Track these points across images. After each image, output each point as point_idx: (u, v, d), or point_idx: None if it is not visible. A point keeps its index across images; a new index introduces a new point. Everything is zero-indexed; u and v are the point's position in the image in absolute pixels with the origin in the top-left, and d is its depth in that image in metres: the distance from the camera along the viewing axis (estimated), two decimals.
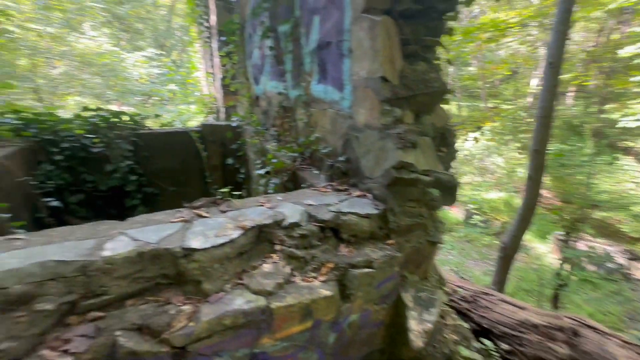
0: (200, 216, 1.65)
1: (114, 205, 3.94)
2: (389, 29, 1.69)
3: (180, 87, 17.61)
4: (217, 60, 6.77)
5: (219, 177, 4.54)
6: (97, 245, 1.35)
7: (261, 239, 1.63)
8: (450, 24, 1.86)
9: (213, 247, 1.41)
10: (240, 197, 2.03)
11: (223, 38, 5.01)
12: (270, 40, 3.27)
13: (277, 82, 3.38)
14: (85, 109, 3.81)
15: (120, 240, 1.38)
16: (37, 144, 3.33)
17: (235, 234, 1.50)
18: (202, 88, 10.28)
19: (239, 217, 1.66)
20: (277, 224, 1.65)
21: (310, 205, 1.83)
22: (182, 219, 1.60)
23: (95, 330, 1.18)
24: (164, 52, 18.92)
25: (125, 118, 3.98)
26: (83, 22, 15.64)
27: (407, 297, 1.80)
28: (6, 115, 3.32)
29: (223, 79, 6.64)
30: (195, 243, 1.40)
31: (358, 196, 1.97)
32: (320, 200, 1.90)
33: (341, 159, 2.22)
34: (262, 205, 1.82)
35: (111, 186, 3.77)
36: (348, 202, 1.88)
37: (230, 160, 4.43)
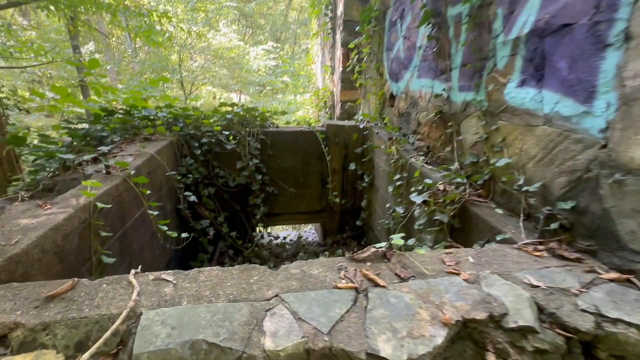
0: (374, 283, 1.17)
1: (238, 201, 3.98)
2: None
3: (292, 79, 18.49)
4: (339, 52, 6.44)
5: (337, 182, 4.18)
6: (254, 318, 0.99)
7: (462, 335, 1.06)
8: None
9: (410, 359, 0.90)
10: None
11: (356, 28, 4.55)
12: (429, 28, 2.60)
13: (431, 81, 2.70)
14: (222, 104, 3.88)
15: (281, 316, 1.00)
16: (183, 139, 3.49)
17: (438, 335, 0.96)
18: (316, 81, 10.28)
19: (429, 294, 1.12)
20: (494, 320, 1.04)
21: (534, 286, 1.16)
22: (350, 284, 1.15)
23: None
24: (279, 45, 20.09)
25: (256, 114, 3.93)
26: (220, 21, 17.58)
27: None
28: (163, 109, 3.56)
29: (344, 72, 6.29)
30: (385, 348, 0.91)
31: (613, 280, 1.20)
32: (545, 277, 1.21)
33: (564, 206, 1.45)
34: (455, 274, 1.23)
35: (238, 183, 3.78)
36: (603, 291, 1.13)
37: (352, 166, 4.00)
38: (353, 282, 1.16)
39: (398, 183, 2.73)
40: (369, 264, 1.30)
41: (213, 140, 3.61)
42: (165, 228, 2.45)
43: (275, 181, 4.03)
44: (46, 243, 1.51)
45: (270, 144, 3.87)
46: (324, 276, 1.22)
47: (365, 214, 4.04)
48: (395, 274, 1.23)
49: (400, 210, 2.63)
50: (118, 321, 0.96)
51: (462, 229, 1.92)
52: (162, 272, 1.22)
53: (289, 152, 3.98)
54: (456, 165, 2.19)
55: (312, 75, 11.02)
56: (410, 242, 2.05)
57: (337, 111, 6.83)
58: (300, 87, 19.06)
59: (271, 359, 0.88)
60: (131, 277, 1.17)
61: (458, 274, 1.23)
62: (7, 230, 1.50)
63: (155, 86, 3.99)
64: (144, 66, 14.50)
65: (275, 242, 4.48)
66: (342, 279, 1.20)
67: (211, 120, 3.70)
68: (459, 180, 2.01)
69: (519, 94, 1.74)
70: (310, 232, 5.43)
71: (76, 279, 1.15)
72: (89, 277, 1.24)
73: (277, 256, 4.19)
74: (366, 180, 3.85)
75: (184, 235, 2.63)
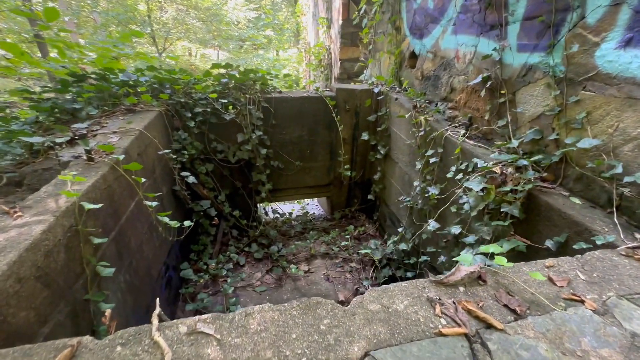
0: (486, 323, 0.88)
1: (239, 177, 3.59)
2: None
3: (276, 33, 17.01)
4: (338, 2, 5.69)
5: (347, 154, 3.81)
6: None
7: None
8: None
9: None
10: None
11: None
12: None
13: (474, 38, 2.28)
14: (215, 66, 3.30)
15: None
16: (172, 108, 2.97)
17: None
18: (307, 36, 9.35)
19: (562, 338, 0.85)
20: None
21: None
22: (458, 329, 0.86)
23: None
24: None
25: (254, 78, 3.38)
26: None
27: None
28: (145, 73, 2.97)
29: (344, 26, 5.61)
30: None
31: None
32: None
33: None
34: (577, 301, 0.97)
35: (240, 158, 3.35)
36: None
37: (365, 135, 3.62)
38: (459, 324, 0.88)
39: (432, 160, 2.41)
40: (462, 289, 1.01)
41: (208, 109, 3.10)
42: (166, 219, 2.07)
43: (279, 154, 3.62)
44: (22, 269, 1.13)
45: (274, 112, 3.40)
46: (415, 314, 0.92)
47: (378, 188, 3.76)
48: (505, 305, 0.95)
49: (434, 191, 2.34)
50: None
51: (526, 220, 1.65)
52: (196, 318, 0.89)
53: (295, 122, 3.53)
54: (514, 142, 1.87)
55: (301, 29, 9.99)
56: (470, 239, 1.78)
57: (336, 71, 6.23)
58: (286, 42, 17.62)
59: None
60: (156, 333, 0.83)
61: (582, 302, 0.97)
62: None
63: (126, 42, 3.32)
64: (108, 17, 12.80)
65: (280, 218, 4.19)
66: (440, 317, 0.91)
67: (204, 86, 3.15)
68: (523, 162, 1.70)
69: (620, 58, 1.38)
70: (313, 205, 5.16)
71: (76, 341, 0.81)
72: (92, 336, 0.89)
73: (284, 234, 3.93)
74: (381, 151, 3.50)
75: (187, 223, 2.26)
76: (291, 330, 0.86)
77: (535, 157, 1.72)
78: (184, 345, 0.81)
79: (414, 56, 3.21)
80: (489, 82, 2.09)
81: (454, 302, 0.95)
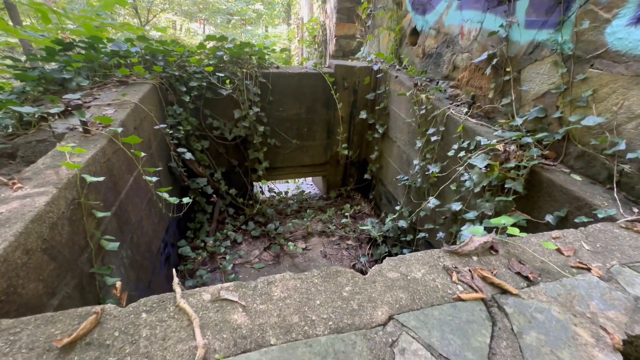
0: (501, 289, 0.92)
1: (235, 155, 3.53)
2: None
3: (267, 7, 16.33)
4: None
5: (344, 132, 3.79)
6: (380, 356, 0.72)
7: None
8: None
9: None
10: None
11: None
12: None
13: (480, 14, 2.24)
14: (210, 38, 3.16)
15: (415, 355, 0.73)
16: (166, 81, 2.85)
17: None
18: (299, 11, 9.01)
19: (572, 302, 0.90)
20: None
21: None
22: (475, 294, 0.89)
23: None
24: None
25: (250, 52, 3.26)
26: None
27: None
28: (135, 44, 2.82)
29: (341, 1, 5.42)
30: None
31: None
32: None
33: None
34: (584, 269, 1.01)
35: (237, 135, 3.28)
36: None
37: (363, 114, 3.58)
38: (476, 290, 0.91)
39: (433, 138, 2.42)
40: (475, 258, 1.05)
41: (204, 83, 2.99)
42: (166, 195, 2.03)
43: (276, 132, 3.57)
44: (29, 241, 1.09)
45: (272, 88, 3.31)
46: (433, 281, 0.95)
47: (374, 167, 3.77)
48: (517, 273, 0.99)
49: (435, 169, 2.37)
50: None
51: (527, 196, 1.70)
52: (219, 286, 0.89)
53: (293, 98, 3.46)
54: (518, 120, 1.89)
55: (294, 4, 9.59)
56: (471, 215, 1.82)
57: (331, 48, 6.07)
58: (276, 17, 16.97)
59: None
60: (181, 300, 0.83)
61: (588, 270, 1.01)
62: None
63: (108, 11, 3.11)
64: None
65: (276, 197, 4.18)
66: (457, 283, 0.94)
67: (198, 59, 3.02)
68: (527, 139, 1.72)
69: (630, 35, 1.39)
70: (308, 184, 5.16)
71: (99, 308, 0.80)
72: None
73: (280, 213, 3.93)
74: (379, 130, 3.49)
75: (185, 200, 2.22)
76: (314, 297, 0.88)
77: (539, 135, 1.75)
78: (209, 312, 0.82)
79: (415, 33, 3.16)
80: (494, 60, 2.08)
81: (469, 270, 0.98)
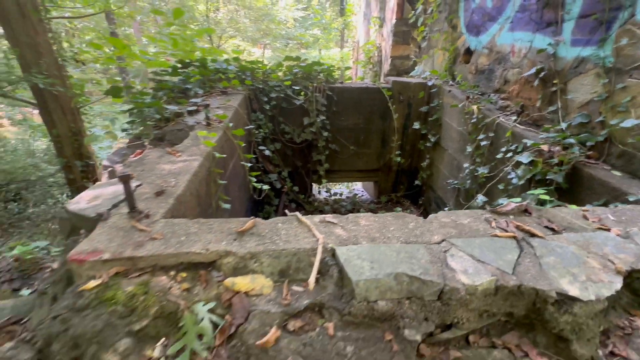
0: (530, 233, 1.23)
1: (299, 157, 4.07)
2: None
3: (323, 32, 17.53)
4: (392, 2, 6.01)
5: (397, 142, 4.16)
6: (436, 258, 1.08)
7: (628, 286, 1.13)
8: None
9: (596, 300, 0.98)
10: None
11: None
12: None
13: (530, 34, 2.53)
14: (287, 58, 3.81)
15: (461, 258, 1.09)
16: (252, 93, 3.51)
17: (615, 281, 1.03)
18: (356, 34, 9.73)
19: (589, 246, 1.17)
20: None
21: None
22: (509, 234, 1.22)
23: None
24: None
25: (319, 69, 3.85)
26: None
27: None
28: (230, 63, 3.55)
29: (397, 25, 5.92)
30: (571, 289, 0.99)
31: None
32: None
33: None
34: (604, 229, 1.28)
35: (304, 139, 3.84)
36: None
37: (416, 124, 3.94)
38: (509, 232, 1.23)
39: (483, 143, 2.70)
40: (511, 217, 1.36)
41: (282, 95, 3.61)
42: (254, 180, 2.57)
43: (337, 139, 4.06)
44: (191, 187, 1.65)
45: (336, 100, 3.83)
46: (476, 225, 1.29)
47: (425, 174, 4.06)
48: (545, 226, 1.28)
49: (484, 170, 2.63)
50: (318, 255, 1.08)
51: (569, 190, 1.92)
52: (324, 215, 1.32)
53: (353, 110, 3.94)
54: (563, 125, 2.13)
55: (351, 28, 10.37)
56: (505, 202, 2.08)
57: (386, 67, 6.54)
58: (332, 41, 18.11)
59: (469, 292, 0.99)
60: (302, 217, 1.28)
61: (608, 230, 1.27)
62: (158, 174, 1.64)
63: (200, 38, 3.91)
64: (169, 17, 14.08)
65: (331, 197, 4.63)
66: (495, 228, 1.27)
67: (279, 75, 3.66)
68: (570, 140, 1.96)
69: None
70: (358, 190, 5.54)
71: (254, 217, 1.28)
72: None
73: (334, 211, 4.36)
74: (431, 139, 3.81)
75: (265, 187, 2.75)
76: (389, 226, 1.27)
77: (582, 136, 1.98)
78: (319, 227, 1.25)
79: (468, 52, 3.49)
80: (542, 73, 2.35)
81: (505, 221, 1.30)
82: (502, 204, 1.41)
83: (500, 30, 2.92)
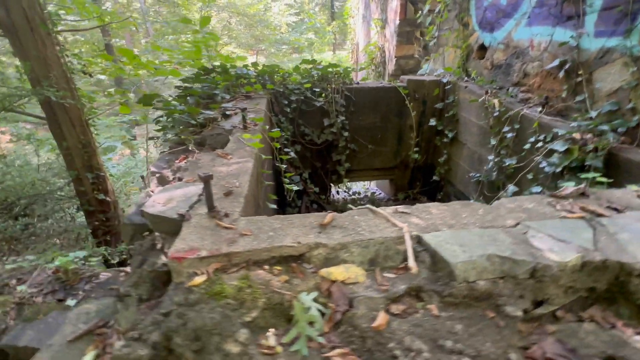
0: (596, 213, 1.29)
1: (318, 159, 4.12)
2: None
3: (318, 36, 17.67)
4: (395, 3, 6.12)
5: (415, 139, 4.23)
6: (518, 239, 1.14)
7: None
8: None
9: None
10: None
11: None
12: None
13: (550, 28, 2.63)
14: (305, 61, 3.87)
15: (541, 238, 1.15)
16: (273, 96, 3.56)
17: None
18: (355, 37, 9.85)
19: None
20: None
21: None
22: (577, 215, 1.28)
23: (563, 349, 1.00)
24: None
25: (334, 71, 3.91)
26: None
27: None
28: (249, 68, 3.60)
29: (401, 25, 6.03)
30: None
31: None
32: None
33: None
34: None
35: (324, 140, 3.89)
36: None
37: (432, 121, 4.02)
38: (577, 213, 1.29)
39: (509, 135, 2.78)
40: (570, 200, 1.42)
41: (301, 97, 3.67)
42: (287, 181, 2.62)
43: (355, 138, 4.12)
44: (250, 186, 1.69)
45: (355, 100, 3.90)
46: (542, 209, 1.35)
47: (443, 169, 4.14)
48: (607, 207, 1.35)
49: (512, 161, 2.71)
50: (408, 242, 1.13)
51: (606, 175, 1.99)
52: (396, 206, 1.38)
53: (370, 109, 4.01)
54: (593, 113, 2.21)
55: (350, 30, 10.50)
56: (538, 189, 2.16)
57: (390, 68, 6.65)
58: (327, 44, 18.27)
59: (560, 268, 1.04)
60: (376, 209, 1.33)
61: None
62: (217, 176, 1.67)
63: (205, 45, 3.96)
64: (167, 26, 14.10)
65: (349, 197, 4.68)
66: (560, 211, 1.33)
67: (298, 78, 3.72)
68: (603, 127, 2.04)
69: None
70: (372, 189, 5.60)
71: (333, 212, 1.32)
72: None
73: None
74: (449, 135, 3.89)
75: (295, 188, 2.80)
76: (460, 213, 1.33)
77: (614, 122, 2.06)
78: (394, 217, 1.30)
79: (482, 48, 3.58)
80: (566, 65, 2.44)
81: (569, 203, 1.36)
82: (562, 187, 1.47)
83: (516, 26, 3.02)
